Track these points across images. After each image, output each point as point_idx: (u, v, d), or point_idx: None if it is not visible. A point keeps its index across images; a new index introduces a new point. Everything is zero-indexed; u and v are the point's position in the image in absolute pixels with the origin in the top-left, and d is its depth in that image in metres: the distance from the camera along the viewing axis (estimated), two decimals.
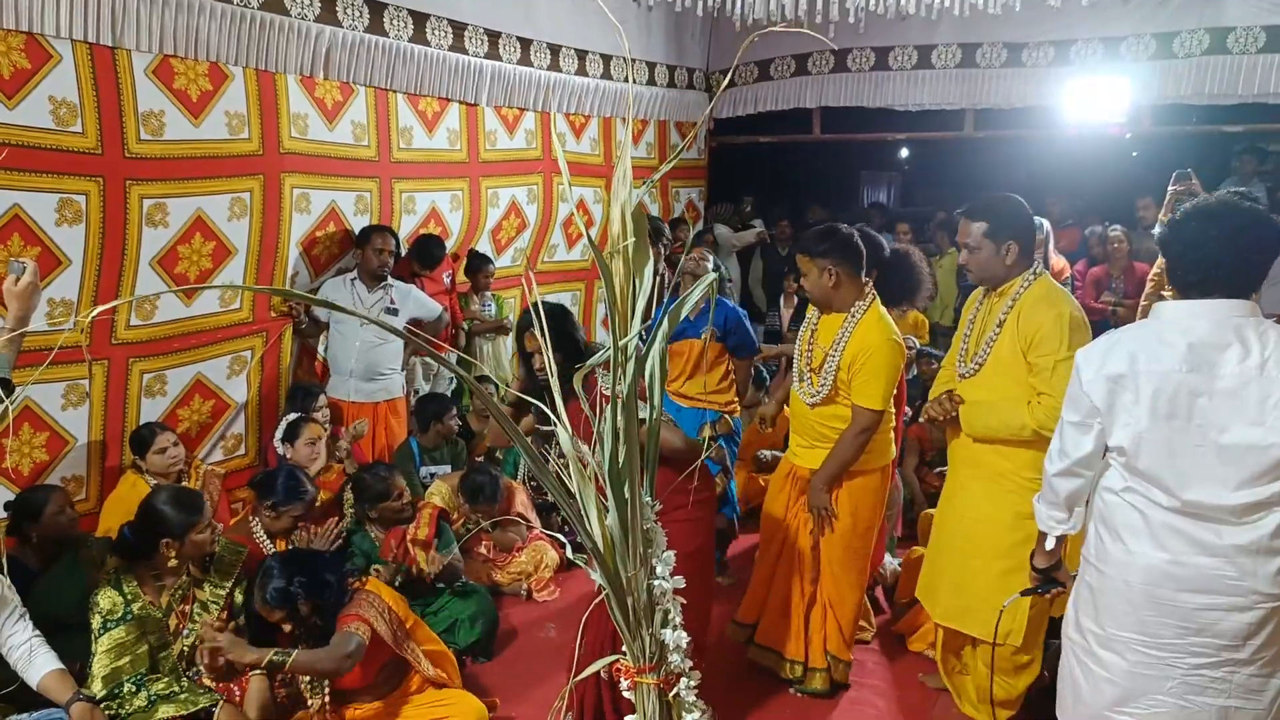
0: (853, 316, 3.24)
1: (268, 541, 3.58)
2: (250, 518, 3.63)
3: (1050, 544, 2.43)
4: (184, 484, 3.89)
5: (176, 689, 2.95)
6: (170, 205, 3.98)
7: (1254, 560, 2.01)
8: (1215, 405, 2.00)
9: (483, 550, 4.45)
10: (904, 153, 13.75)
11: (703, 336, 4.40)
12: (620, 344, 1.19)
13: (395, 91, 5.05)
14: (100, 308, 1.35)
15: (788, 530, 3.41)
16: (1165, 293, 5.75)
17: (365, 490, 3.81)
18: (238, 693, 3.02)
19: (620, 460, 1.22)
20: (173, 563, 3.01)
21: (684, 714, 1.38)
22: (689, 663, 1.39)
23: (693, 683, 1.41)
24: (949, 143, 8.63)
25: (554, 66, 6.07)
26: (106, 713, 2.82)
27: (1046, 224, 6.60)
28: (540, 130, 6.14)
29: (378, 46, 4.81)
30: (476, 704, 3.09)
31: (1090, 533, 2.29)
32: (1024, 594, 2.84)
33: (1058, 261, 6.56)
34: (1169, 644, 2.10)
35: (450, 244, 5.59)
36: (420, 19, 5.05)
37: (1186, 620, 2.08)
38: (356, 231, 4.86)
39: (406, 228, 5.21)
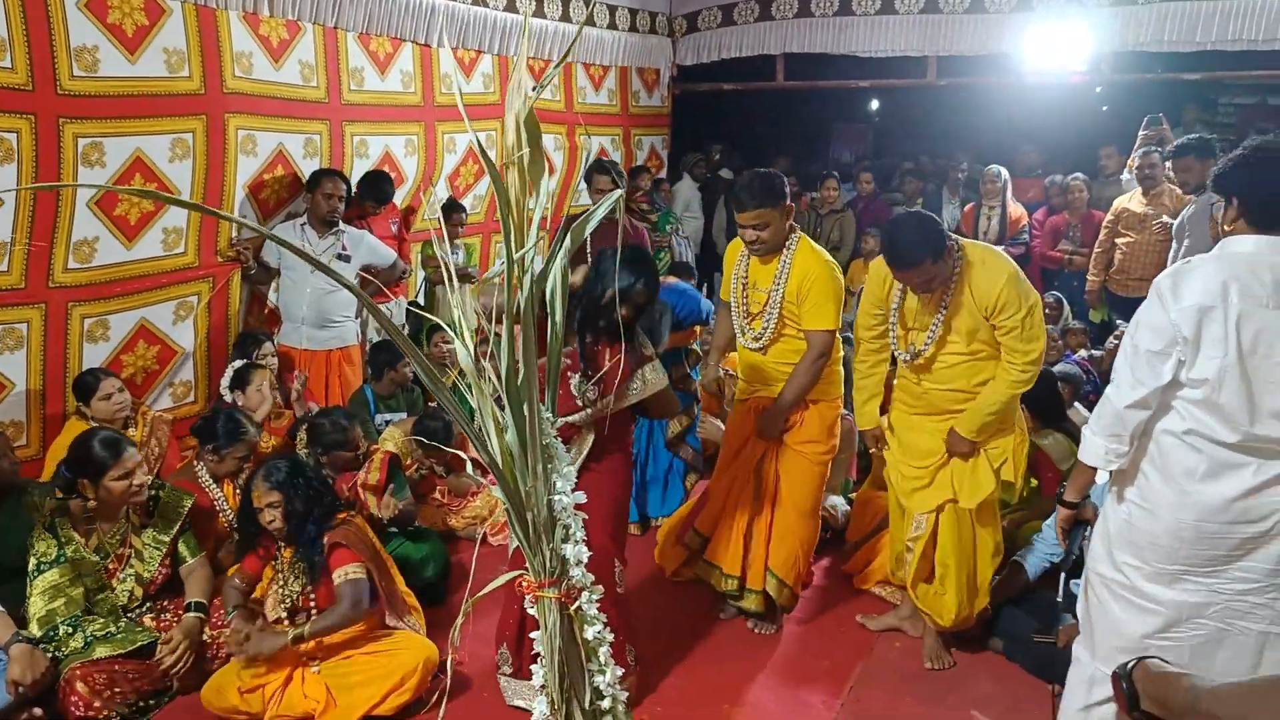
0: (788, 250, 3.27)
1: (214, 486, 3.55)
2: (195, 463, 3.59)
3: (1102, 478, 2.42)
4: (130, 431, 3.84)
5: (113, 629, 2.94)
6: (107, 145, 3.87)
7: None
8: None
9: (437, 495, 4.45)
10: (875, 104, 13.68)
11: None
12: (516, 257, 1.17)
13: (345, 31, 4.92)
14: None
15: (749, 455, 3.46)
16: (1119, 240, 5.80)
17: (321, 436, 3.78)
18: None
19: (519, 377, 1.20)
20: (91, 503, 2.97)
21: (586, 626, 1.38)
22: (590, 577, 1.39)
23: (595, 596, 1.41)
24: (919, 95, 8.59)
25: (510, 8, 5.94)
26: (44, 653, 2.81)
27: (1005, 172, 6.62)
28: (498, 74, 6.02)
29: None
30: (427, 647, 3.05)
31: (1135, 475, 2.29)
32: (1068, 556, 2.86)
33: (1015, 210, 6.60)
34: (1215, 570, 2.16)
35: (406, 189, 5.50)
36: None
37: (1238, 548, 2.13)
38: (306, 175, 4.76)
39: (359, 172, 5.10)
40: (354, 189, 4.95)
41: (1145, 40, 5.96)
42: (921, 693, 3.19)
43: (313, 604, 3.01)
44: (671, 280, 4.46)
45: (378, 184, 5.07)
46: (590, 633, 1.39)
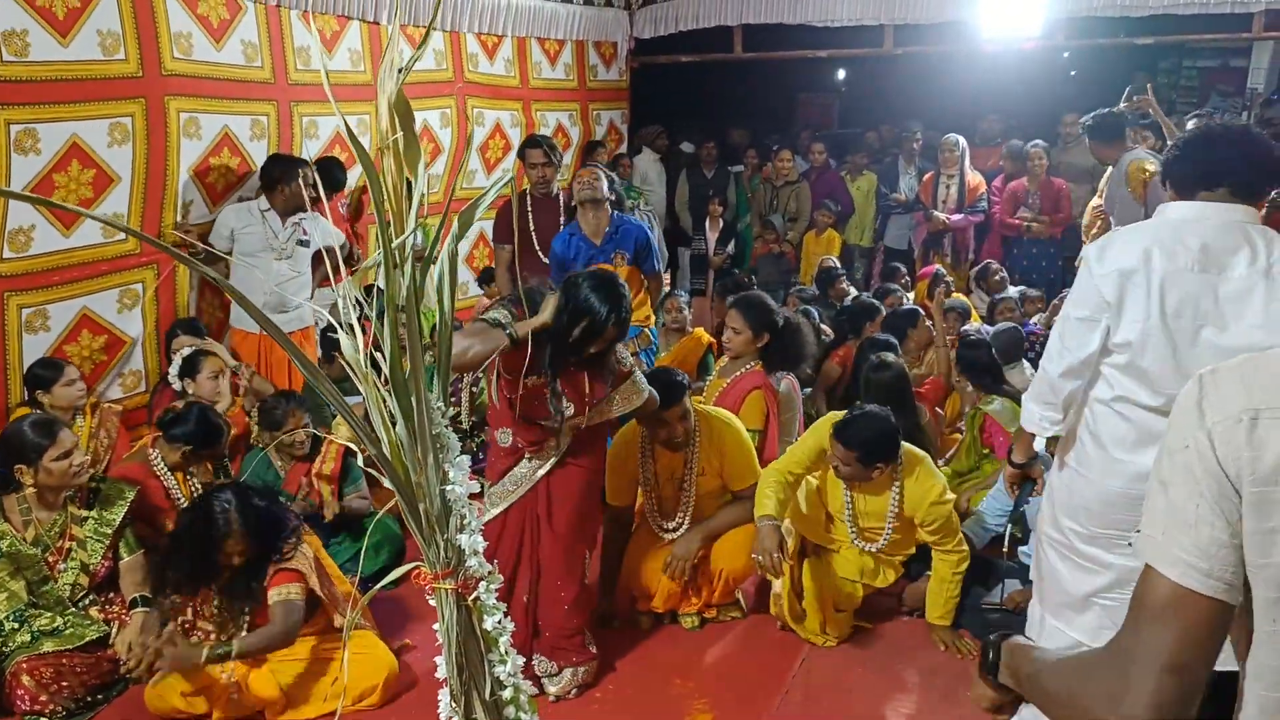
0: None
1: (168, 473, 3.50)
2: (150, 449, 3.53)
3: (1041, 443, 2.49)
4: (78, 421, 3.79)
5: (60, 623, 2.92)
6: (41, 131, 3.79)
7: None
8: (1221, 307, 2.04)
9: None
10: (841, 74, 13.63)
11: (613, 260, 4.36)
12: (394, 245, 1.16)
13: (288, 9, 4.83)
14: None
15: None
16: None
17: (265, 416, 3.75)
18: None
19: (405, 369, 1.19)
20: (29, 489, 2.93)
21: (485, 616, 1.38)
22: (488, 566, 1.39)
23: (494, 585, 1.41)
24: (883, 65, 8.57)
25: None
26: None
27: (962, 141, 6.63)
28: (450, 51, 5.94)
29: None
30: (385, 654, 3.01)
31: (1076, 440, 2.32)
32: (1015, 507, 2.93)
33: (973, 178, 6.61)
34: None
35: (358, 171, 5.43)
36: None
37: None
38: (254, 157, 4.68)
39: (309, 153, 5.04)
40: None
41: (1097, 6, 5.97)
42: (873, 662, 3.23)
43: (245, 626, 2.91)
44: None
45: (330, 171, 5.02)
46: (489, 623, 1.38)
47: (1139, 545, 1.00)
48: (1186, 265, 2.06)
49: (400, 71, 1.13)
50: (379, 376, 1.21)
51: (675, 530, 3.37)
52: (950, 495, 3.25)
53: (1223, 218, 2.09)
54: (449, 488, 1.29)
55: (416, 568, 1.35)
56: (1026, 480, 2.68)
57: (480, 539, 1.35)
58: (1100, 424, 2.23)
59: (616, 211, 4.49)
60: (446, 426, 1.31)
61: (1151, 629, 0.94)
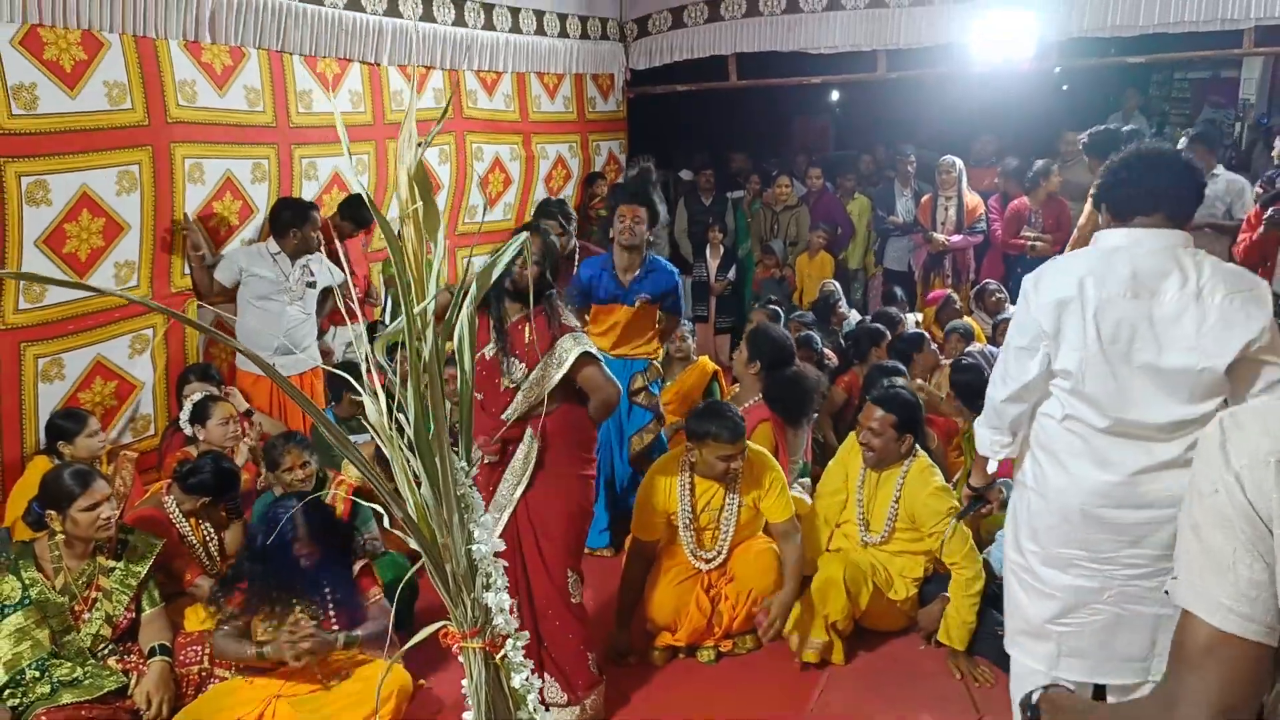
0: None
1: (182, 520, 3.52)
2: (165, 496, 3.55)
3: (993, 466, 2.57)
4: (96, 468, 3.82)
5: (80, 674, 2.92)
6: (51, 182, 3.84)
7: (1184, 473, 2.11)
8: (1155, 330, 2.09)
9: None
10: (835, 96, 13.74)
11: (636, 304, 4.28)
12: (416, 311, 1.18)
13: (290, 54, 4.90)
14: None
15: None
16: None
17: (266, 455, 3.78)
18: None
19: (429, 430, 1.21)
20: (59, 536, 2.96)
21: (513, 674, 1.40)
22: (515, 624, 1.41)
23: (520, 644, 1.43)
24: (877, 87, 8.62)
25: (459, 22, 5.93)
26: (10, 702, 2.79)
27: (959, 162, 6.68)
28: (448, 88, 6.01)
29: (267, 7, 4.66)
30: (401, 675, 3.01)
31: (1028, 459, 2.38)
32: (959, 516, 3.00)
33: (971, 199, 6.65)
34: (1107, 557, 2.21)
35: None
36: None
37: (1123, 534, 2.18)
38: (255, 200, 4.73)
39: (308, 194, 5.09)
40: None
41: (1088, 27, 6.03)
42: (888, 691, 3.23)
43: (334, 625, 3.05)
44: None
45: (357, 208, 5.07)
46: (517, 680, 1.40)
47: (1174, 591, 1.00)
48: (1119, 292, 2.12)
49: (420, 145, 1.16)
50: (402, 438, 1.24)
51: (713, 561, 3.42)
52: (952, 496, 3.32)
53: (1154, 243, 2.14)
54: (475, 547, 1.32)
55: (444, 627, 1.37)
56: (976, 499, 2.75)
57: (506, 596, 1.37)
58: (1055, 441, 2.28)
59: (652, 253, 4.39)
60: (471, 486, 1.34)
61: (1194, 675, 0.94)
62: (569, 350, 2.83)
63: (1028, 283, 2.28)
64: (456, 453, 1.29)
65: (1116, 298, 2.11)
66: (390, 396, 1.17)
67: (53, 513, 2.95)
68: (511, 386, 2.84)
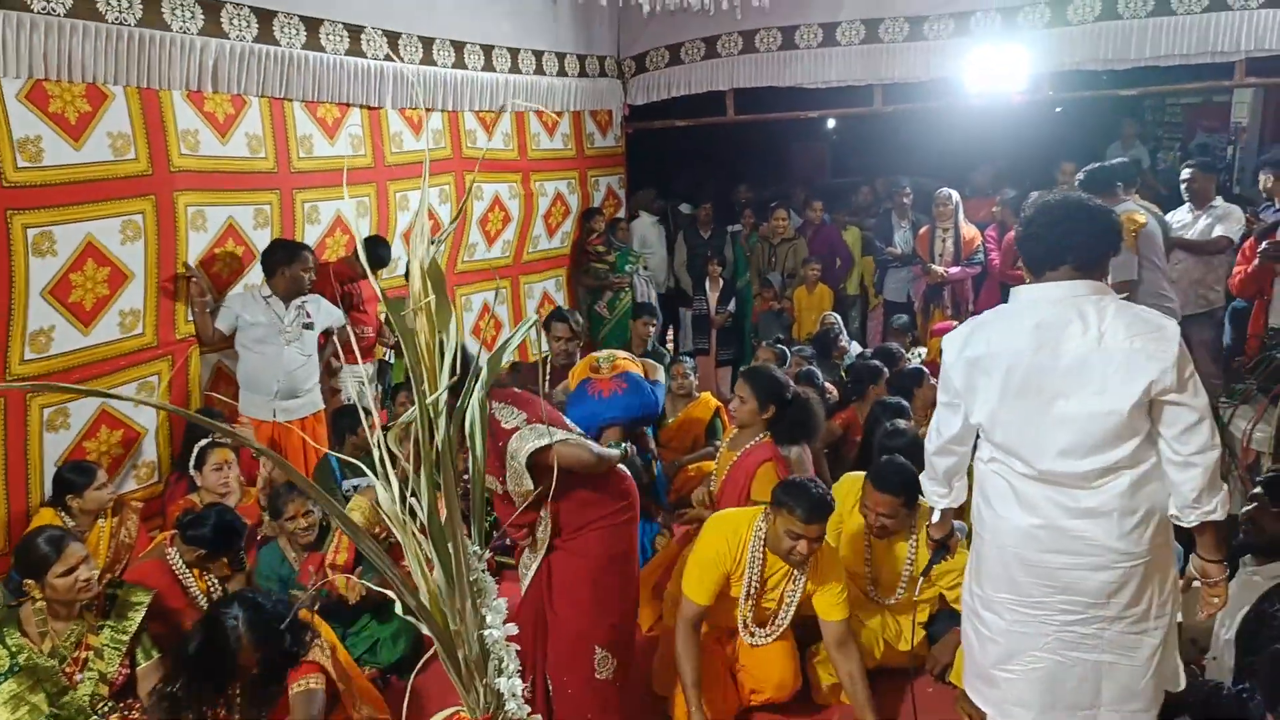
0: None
1: (185, 571, 3.51)
2: (168, 548, 3.55)
3: (936, 516, 2.66)
4: (99, 520, 3.82)
5: None
6: (57, 233, 3.87)
7: (1107, 520, 2.15)
8: (1060, 380, 2.14)
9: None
10: (831, 123, 13.86)
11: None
12: (429, 401, 1.20)
13: (291, 100, 4.95)
14: None
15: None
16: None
17: (270, 504, 3.79)
18: None
19: (442, 517, 1.23)
20: (38, 604, 2.94)
21: None
22: (527, 709, 1.41)
23: None
24: (872, 116, 8.70)
25: (459, 64, 6.00)
26: None
27: (955, 194, 6.73)
28: (448, 129, 6.06)
29: (269, 56, 4.71)
30: None
31: (973, 503, 2.45)
32: (924, 572, 3.03)
33: (968, 230, 6.70)
34: (1039, 602, 2.24)
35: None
36: (313, 25, 4.95)
37: (1051, 579, 2.21)
38: (257, 246, 4.76)
39: (310, 238, 5.12)
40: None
41: (1080, 60, 6.10)
42: None
43: None
44: (626, 368, 4.34)
45: (375, 249, 5.11)
46: None
47: None
48: (1025, 346, 2.18)
49: (434, 243, 1.19)
50: (415, 522, 1.25)
51: (766, 638, 3.24)
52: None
53: (1058, 295, 2.19)
54: (487, 632, 1.33)
55: (456, 713, 1.37)
56: (939, 548, 2.82)
57: (519, 681, 1.37)
58: (986, 484, 2.36)
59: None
60: (483, 571, 1.35)
61: None
62: (519, 452, 2.69)
63: (944, 343, 2.39)
64: (469, 537, 1.31)
65: (1023, 351, 2.17)
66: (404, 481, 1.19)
67: (30, 581, 2.93)
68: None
